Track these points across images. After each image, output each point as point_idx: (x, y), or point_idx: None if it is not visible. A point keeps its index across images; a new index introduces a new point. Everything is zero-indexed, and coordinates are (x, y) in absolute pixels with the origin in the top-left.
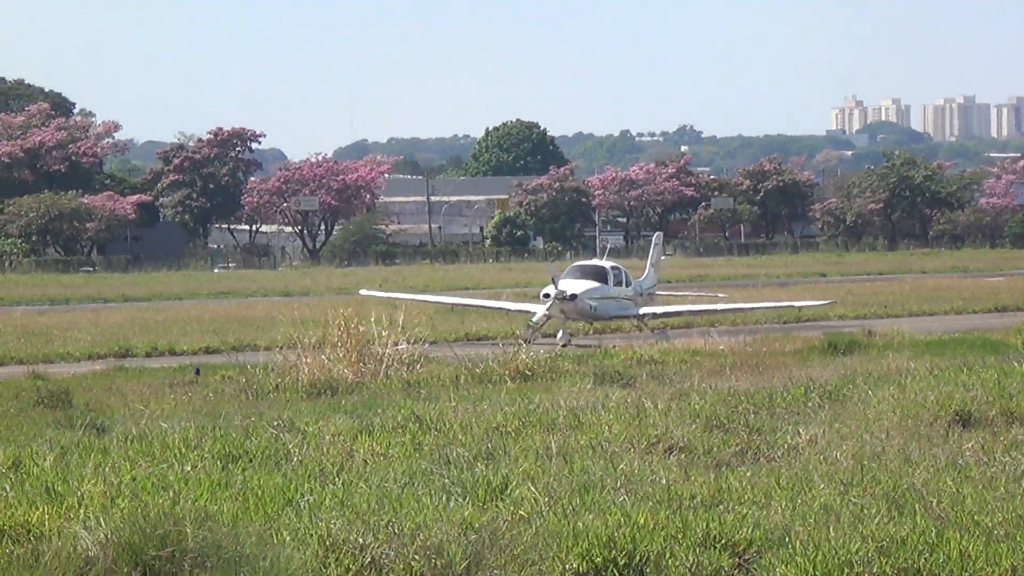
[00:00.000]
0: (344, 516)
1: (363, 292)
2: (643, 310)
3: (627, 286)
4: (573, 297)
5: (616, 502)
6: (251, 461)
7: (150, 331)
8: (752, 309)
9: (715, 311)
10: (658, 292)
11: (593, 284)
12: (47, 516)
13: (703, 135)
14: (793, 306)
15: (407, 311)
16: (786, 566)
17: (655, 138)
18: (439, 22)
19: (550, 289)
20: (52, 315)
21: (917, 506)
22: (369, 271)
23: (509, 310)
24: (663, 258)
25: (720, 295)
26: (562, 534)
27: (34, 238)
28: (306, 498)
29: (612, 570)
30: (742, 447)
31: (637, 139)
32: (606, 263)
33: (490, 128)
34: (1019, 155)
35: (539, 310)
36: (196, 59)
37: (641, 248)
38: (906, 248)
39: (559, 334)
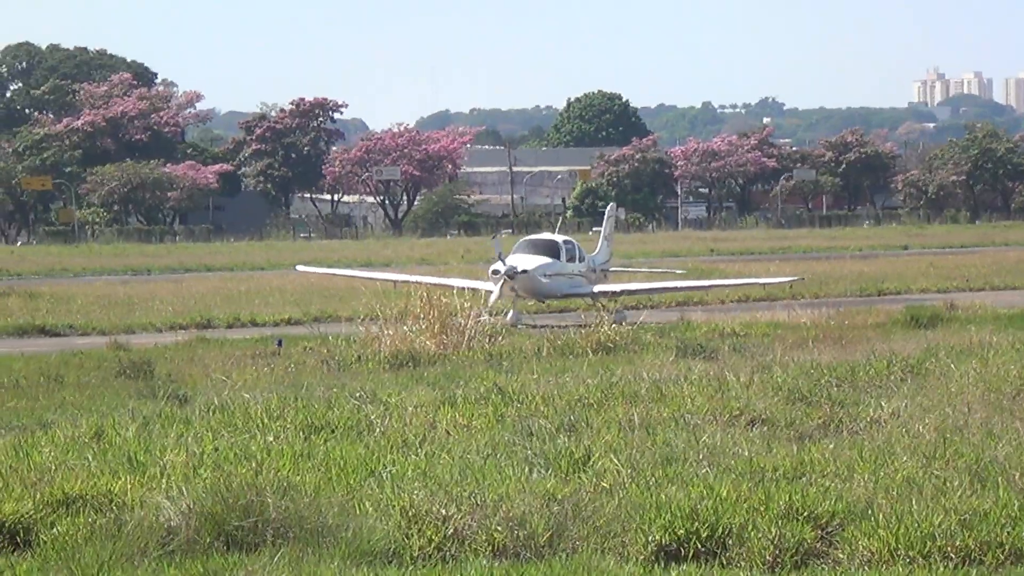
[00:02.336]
0: (427, 487)
1: (300, 268)
2: (598, 288)
3: (580, 262)
4: (524, 273)
5: (699, 474)
6: (333, 432)
7: (232, 301)
8: (713, 286)
9: (675, 288)
10: (612, 268)
11: (545, 259)
12: (130, 486)
13: (785, 107)
14: (757, 283)
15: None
16: (869, 538)
17: (737, 110)
18: None
19: (499, 265)
20: (134, 285)
21: (1000, 479)
22: (450, 242)
23: (456, 287)
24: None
25: (678, 271)
26: (644, 506)
27: (116, 207)
28: (388, 469)
29: (694, 542)
30: (825, 420)
31: (719, 110)
32: (558, 237)
33: (572, 99)
34: None
35: (490, 287)
36: (278, 29)
37: (724, 220)
38: (988, 220)
39: (509, 313)
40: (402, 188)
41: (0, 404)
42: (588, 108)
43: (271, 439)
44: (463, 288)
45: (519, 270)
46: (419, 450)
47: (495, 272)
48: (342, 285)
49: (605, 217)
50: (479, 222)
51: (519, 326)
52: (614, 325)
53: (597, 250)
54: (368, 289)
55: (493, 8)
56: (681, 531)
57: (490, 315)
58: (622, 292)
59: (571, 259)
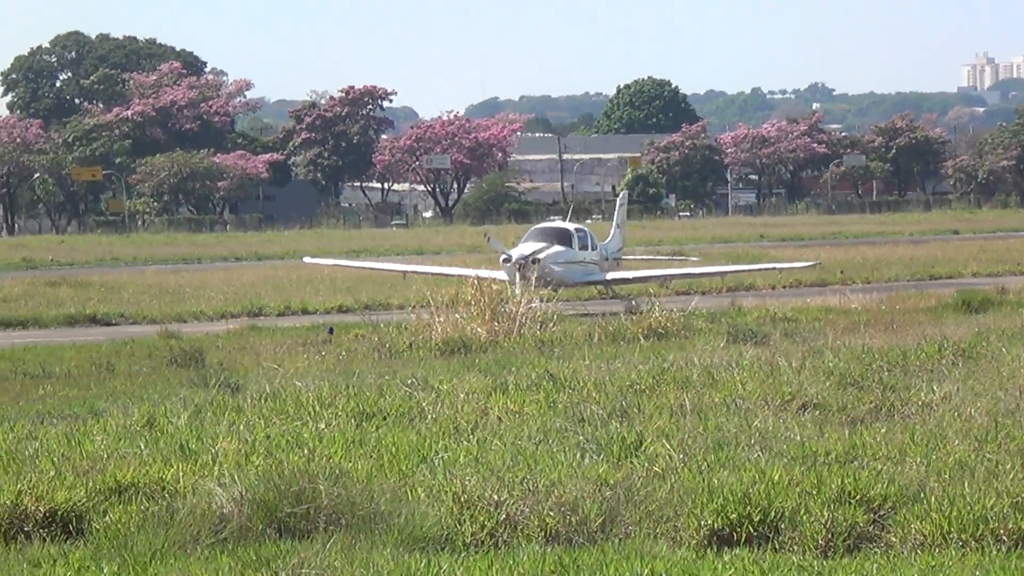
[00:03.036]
0: (479, 473)
1: (307, 260)
2: (610, 275)
3: (592, 250)
4: (536, 261)
5: (751, 459)
6: (385, 419)
7: (282, 290)
8: (728, 272)
9: (688, 275)
10: (624, 257)
11: (557, 247)
12: (182, 474)
13: (835, 92)
14: (774, 268)
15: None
16: (921, 522)
17: (786, 95)
18: None
19: (510, 253)
20: (184, 274)
21: None
22: (502, 229)
23: (467, 277)
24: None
25: (693, 259)
26: (697, 491)
27: (166, 197)
28: (440, 455)
29: (747, 526)
30: (876, 404)
31: (768, 96)
32: (570, 225)
33: (622, 86)
34: None
35: (501, 277)
36: (327, 17)
37: (773, 205)
38: None
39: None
40: (452, 176)
41: (52, 393)
42: (638, 95)
43: (323, 426)
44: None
45: (530, 258)
46: (471, 436)
47: (506, 260)
48: (393, 274)
49: (616, 206)
50: (529, 210)
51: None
52: (630, 311)
53: (609, 238)
54: (419, 276)
55: None
56: (733, 515)
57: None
58: (635, 279)
59: (583, 247)
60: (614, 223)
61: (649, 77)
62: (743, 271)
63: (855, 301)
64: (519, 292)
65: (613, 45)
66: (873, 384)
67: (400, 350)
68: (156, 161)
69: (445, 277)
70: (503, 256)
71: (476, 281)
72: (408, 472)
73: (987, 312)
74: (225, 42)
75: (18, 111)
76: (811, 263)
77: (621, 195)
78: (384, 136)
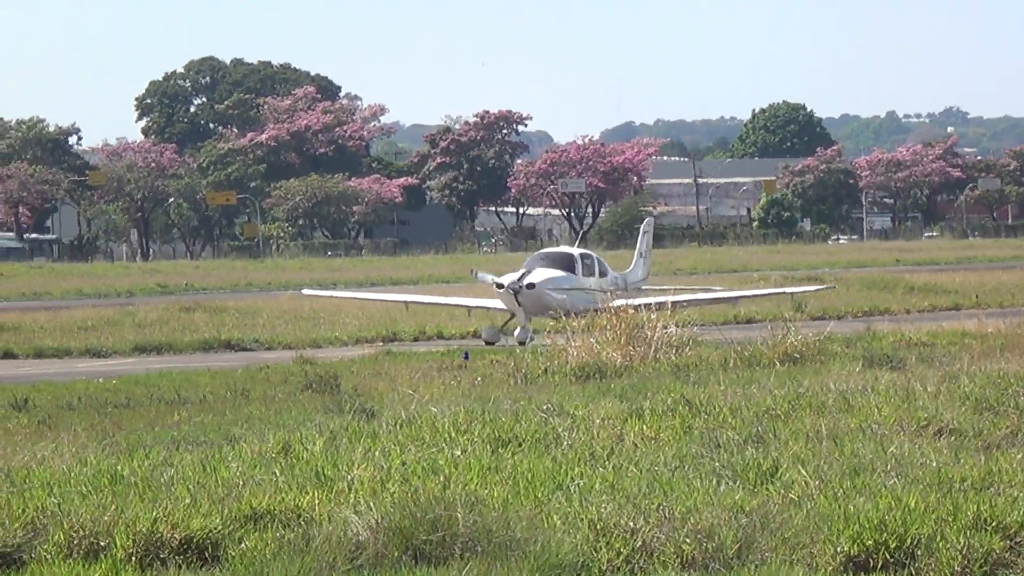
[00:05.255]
0: (615, 500)
1: (306, 291)
2: (616, 303)
3: (602, 276)
4: (531, 287)
5: (886, 485)
6: (521, 445)
7: (417, 315)
8: (742, 297)
9: (699, 301)
10: (644, 287)
11: (558, 273)
12: (317, 501)
13: (969, 116)
14: (785, 292)
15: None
16: None
17: (921, 119)
18: (705, 3)
19: (505, 279)
20: (319, 299)
21: None
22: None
23: (470, 307)
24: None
25: (715, 288)
26: (832, 517)
27: (301, 221)
28: (576, 482)
29: (883, 553)
30: (1013, 429)
31: (903, 120)
32: (575, 250)
33: (757, 110)
34: None
35: (500, 306)
36: (462, 42)
37: (909, 229)
38: None
39: (516, 330)
40: (587, 200)
41: (187, 419)
42: (772, 119)
43: (458, 453)
44: (473, 307)
45: (525, 284)
46: (607, 463)
47: (499, 287)
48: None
49: (640, 233)
50: (664, 234)
51: (529, 343)
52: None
53: (631, 266)
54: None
55: (678, 20)
56: (870, 542)
57: (493, 329)
58: (640, 306)
59: (590, 274)
60: (636, 251)
61: (784, 101)
62: (757, 295)
63: (991, 325)
64: (522, 319)
65: (748, 69)
66: (1009, 409)
67: (535, 375)
68: (291, 185)
69: (447, 307)
70: (496, 283)
71: (611, 305)
72: (544, 499)
73: None
74: (360, 67)
75: (153, 136)
76: (825, 286)
77: (645, 222)
78: (519, 160)
